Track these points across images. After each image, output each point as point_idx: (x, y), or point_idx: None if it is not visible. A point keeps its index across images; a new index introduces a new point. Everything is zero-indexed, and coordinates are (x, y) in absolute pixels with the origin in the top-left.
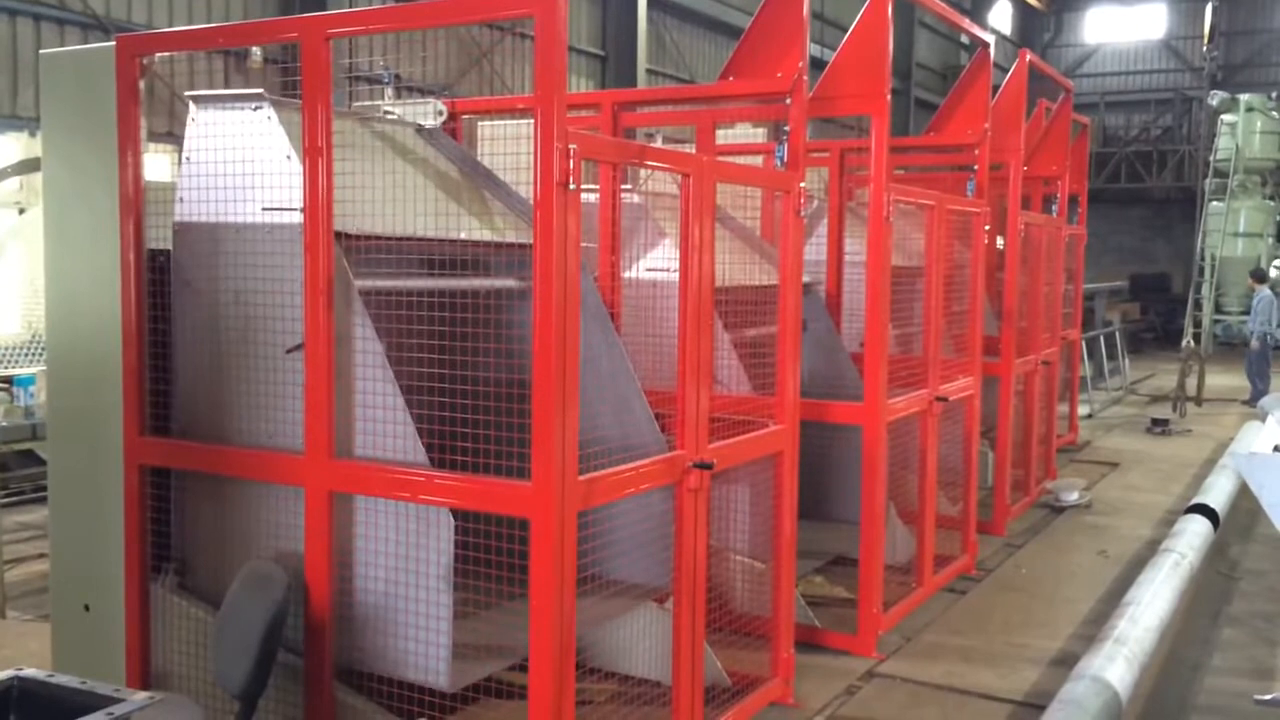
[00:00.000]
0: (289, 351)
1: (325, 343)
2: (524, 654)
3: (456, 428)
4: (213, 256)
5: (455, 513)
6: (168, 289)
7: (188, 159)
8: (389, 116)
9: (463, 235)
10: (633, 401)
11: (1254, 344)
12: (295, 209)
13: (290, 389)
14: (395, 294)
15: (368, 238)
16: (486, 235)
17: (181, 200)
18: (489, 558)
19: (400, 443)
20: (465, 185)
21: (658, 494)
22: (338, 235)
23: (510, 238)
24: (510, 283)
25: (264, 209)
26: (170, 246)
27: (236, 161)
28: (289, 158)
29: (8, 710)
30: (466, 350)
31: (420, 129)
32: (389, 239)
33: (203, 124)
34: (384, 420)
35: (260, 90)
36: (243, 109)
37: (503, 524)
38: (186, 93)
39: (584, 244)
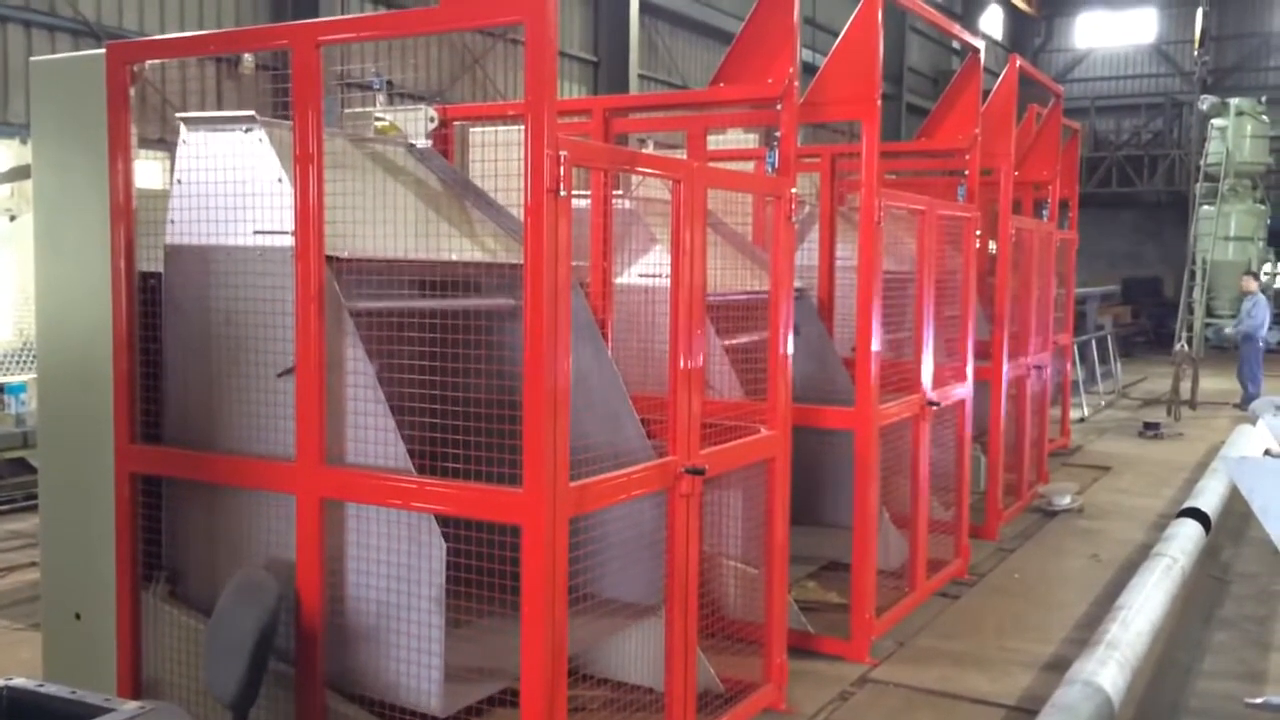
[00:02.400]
0: (280, 375)
1: (316, 346)
2: (517, 676)
3: (450, 435)
4: (204, 279)
5: (448, 528)
6: (159, 311)
7: (179, 181)
8: (380, 122)
9: (453, 256)
10: (624, 419)
11: (1228, 330)
12: (286, 232)
13: (282, 410)
14: (386, 315)
15: (359, 260)
16: (478, 255)
17: (173, 223)
18: (485, 565)
19: (390, 450)
20: (456, 204)
21: (649, 509)
22: (329, 258)
23: (502, 257)
24: (501, 302)
25: (255, 232)
26: (161, 269)
27: (227, 184)
28: (280, 180)
29: None
30: (458, 369)
31: (411, 147)
32: (380, 261)
33: (194, 146)
34: (373, 428)
35: (251, 113)
36: (234, 131)
37: (493, 531)
38: (178, 115)
39: (575, 262)
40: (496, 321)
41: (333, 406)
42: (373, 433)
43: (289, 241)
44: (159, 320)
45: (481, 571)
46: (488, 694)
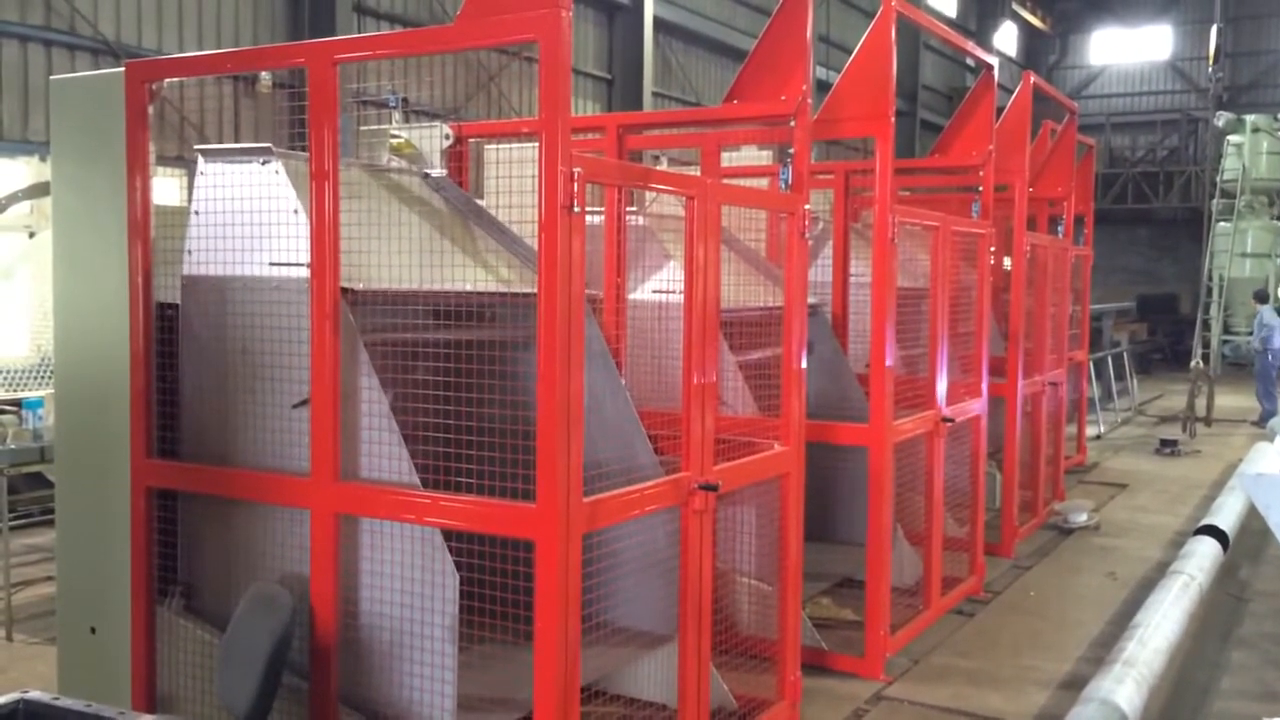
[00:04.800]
0: (295, 406)
1: (331, 360)
2: (530, 708)
3: (464, 459)
4: (220, 310)
5: (461, 542)
6: (176, 341)
7: (196, 212)
8: (396, 140)
9: (467, 286)
10: (637, 445)
11: (1255, 345)
12: (303, 264)
13: (297, 439)
14: (401, 345)
15: (375, 293)
16: (491, 284)
17: (190, 254)
18: (500, 584)
19: (401, 464)
20: (470, 233)
21: (663, 536)
22: (344, 291)
23: (515, 286)
24: (515, 331)
25: (271, 263)
26: (178, 299)
27: (244, 215)
28: (296, 212)
29: None
30: (473, 396)
31: (426, 176)
32: (395, 293)
33: (211, 177)
34: (386, 443)
35: (268, 144)
36: (251, 162)
37: (506, 546)
38: (197, 147)
39: (589, 291)
40: (510, 350)
41: (347, 430)
42: (385, 447)
43: (305, 273)
44: (176, 351)
45: (495, 597)
46: None
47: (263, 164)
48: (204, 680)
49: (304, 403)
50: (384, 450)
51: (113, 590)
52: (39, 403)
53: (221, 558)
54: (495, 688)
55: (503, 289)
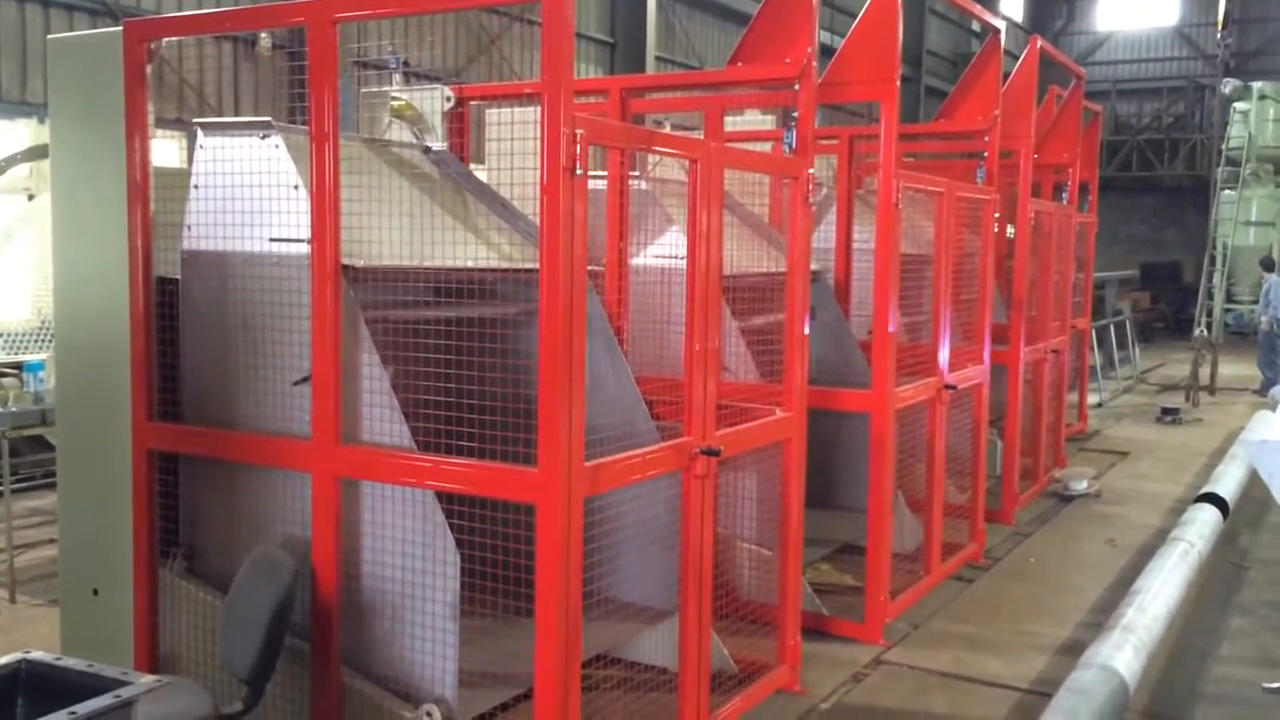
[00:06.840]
0: (296, 383)
1: (332, 323)
2: (530, 684)
3: (466, 432)
4: (221, 285)
5: (463, 516)
6: (177, 315)
7: (195, 186)
8: (396, 102)
9: (469, 263)
10: (639, 423)
11: (1263, 325)
12: (303, 240)
13: (298, 414)
14: (403, 322)
15: (375, 269)
16: (494, 260)
17: (190, 229)
18: (498, 545)
19: (400, 429)
20: (473, 209)
21: (664, 508)
22: (345, 267)
23: (517, 261)
24: (518, 307)
25: (271, 239)
26: (178, 274)
27: (244, 190)
28: (296, 187)
29: (15, 691)
30: (474, 370)
31: (428, 150)
32: (396, 269)
33: (211, 151)
34: (386, 409)
35: (268, 118)
36: (250, 136)
37: (509, 516)
38: (196, 120)
39: (591, 266)
40: (512, 326)
41: (348, 401)
42: (386, 411)
43: (305, 249)
44: (176, 325)
45: (500, 562)
46: (503, 700)
47: (263, 138)
48: (206, 642)
49: (305, 379)
50: (384, 415)
51: (114, 552)
52: (40, 366)
53: (223, 521)
54: (495, 662)
55: (504, 265)
